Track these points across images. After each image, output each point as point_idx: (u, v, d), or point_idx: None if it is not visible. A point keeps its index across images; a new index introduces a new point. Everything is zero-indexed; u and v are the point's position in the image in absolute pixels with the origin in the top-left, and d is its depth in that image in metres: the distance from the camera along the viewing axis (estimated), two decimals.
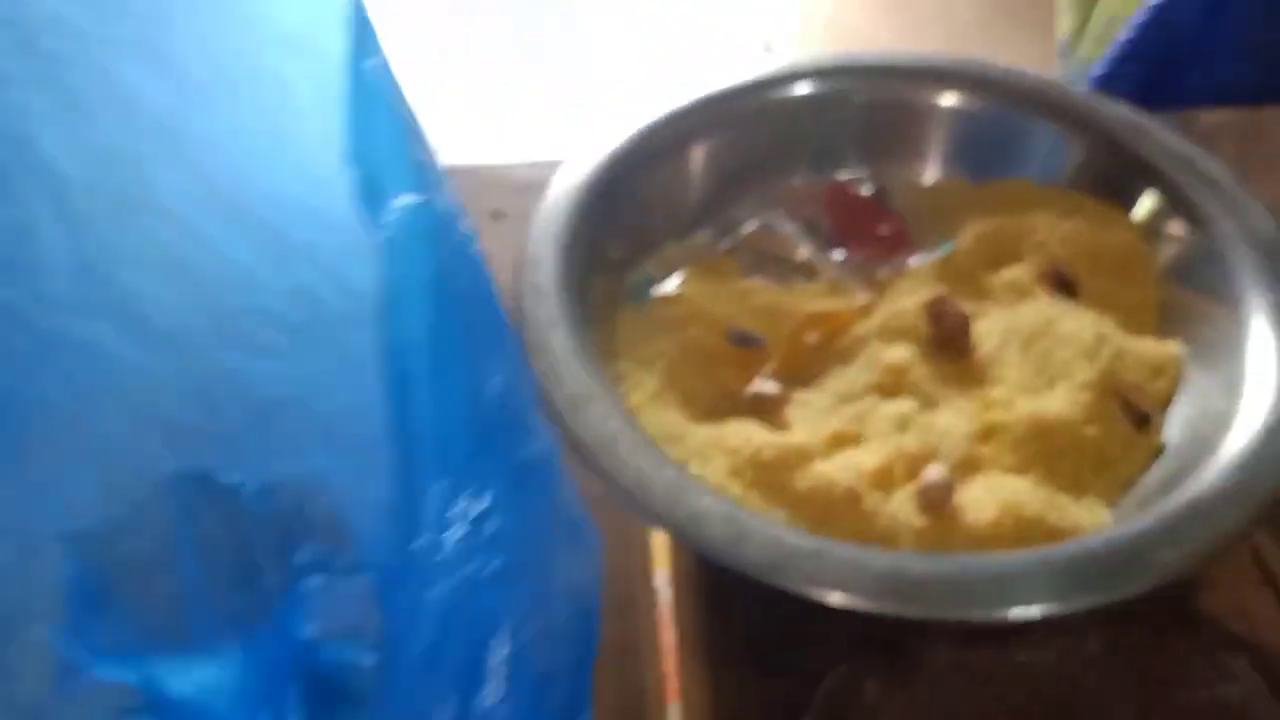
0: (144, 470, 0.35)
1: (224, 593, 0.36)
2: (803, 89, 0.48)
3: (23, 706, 0.35)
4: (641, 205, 0.46)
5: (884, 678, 0.32)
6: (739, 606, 0.40)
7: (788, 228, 0.45)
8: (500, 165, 0.56)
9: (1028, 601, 0.32)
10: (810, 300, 0.44)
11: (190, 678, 0.35)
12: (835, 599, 0.32)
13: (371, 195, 0.28)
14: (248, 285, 0.33)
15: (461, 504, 0.18)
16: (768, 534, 0.34)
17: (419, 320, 0.21)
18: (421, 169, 0.22)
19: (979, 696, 0.33)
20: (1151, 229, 0.46)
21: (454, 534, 0.18)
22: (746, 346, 0.42)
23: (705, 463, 0.39)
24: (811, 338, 0.43)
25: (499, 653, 0.18)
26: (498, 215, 0.54)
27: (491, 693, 0.17)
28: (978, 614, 0.32)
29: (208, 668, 0.35)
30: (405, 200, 0.20)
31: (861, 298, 0.44)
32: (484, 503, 0.18)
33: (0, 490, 0.33)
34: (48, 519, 0.35)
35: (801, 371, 0.42)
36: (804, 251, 0.45)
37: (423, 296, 0.23)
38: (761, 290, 0.44)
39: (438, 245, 0.21)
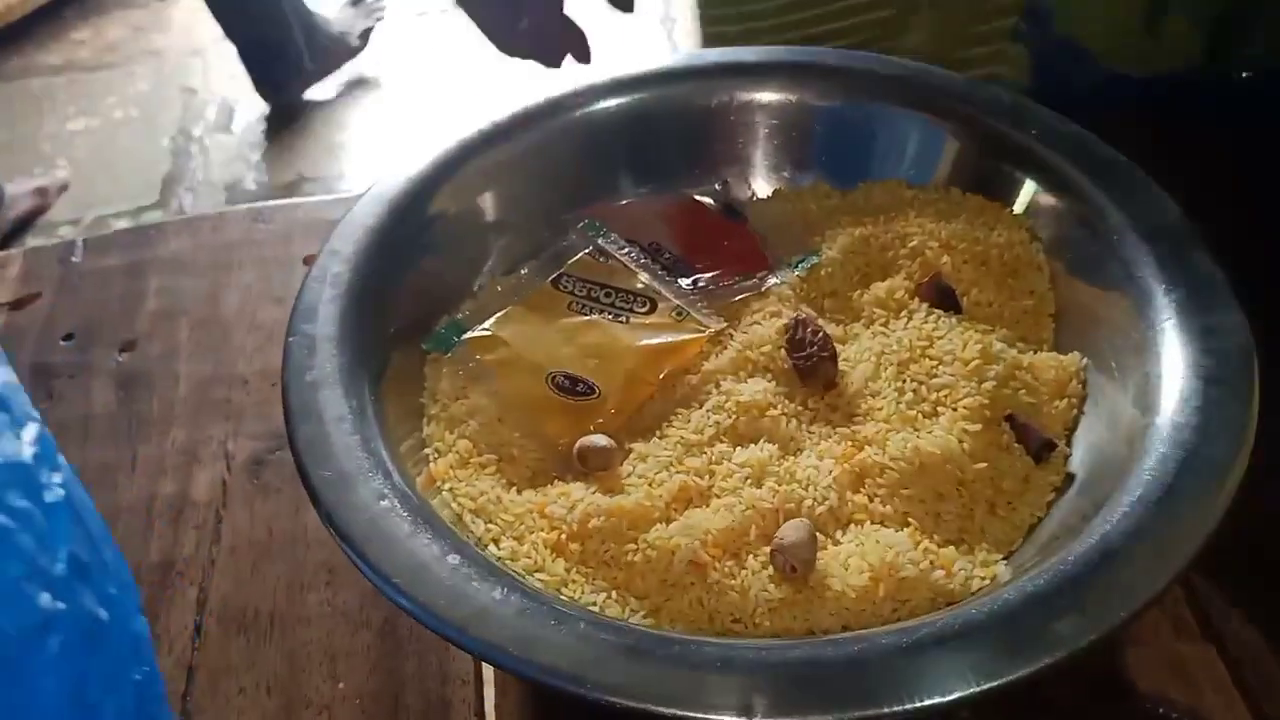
0: None
1: None
2: (629, 97, 0.42)
3: None
4: (445, 241, 0.39)
5: None
6: (575, 711, 0.32)
7: (623, 251, 0.39)
8: (322, 202, 0.50)
9: (906, 696, 0.26)
10: (650, 334, 0.37)
11: None
12: (664, 711, 0.25)
13: None
14: None
15: None
16: (572, 630, 0.27)
17: None
18: None
19: None
20: (1041, 225, 0.40)
21: None
22: (575, 395, 0.35)
23: (521, 539, 0.32)
24: (651, 378, 0.36)
25: None
26: (310, 259, 0.47)
27: None
28: (839, 718, 0.25)
29: None
30: None
31: (711, 326, 0.37)
32: None
33: None
34: None
35: (640, 420, 0.36)
36: (643, 277, 0.38)
37: None
38: (593, 327, 0.37)
39: None
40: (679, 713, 0.25)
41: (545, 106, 0.41)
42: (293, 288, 0.47)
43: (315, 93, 1.68)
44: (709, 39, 0.53)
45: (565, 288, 0.38)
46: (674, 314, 0.38)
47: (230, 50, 1.58)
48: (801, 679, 0.26)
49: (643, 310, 0.38)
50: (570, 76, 0.42)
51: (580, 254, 0.39)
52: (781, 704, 0.25)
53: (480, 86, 1.52)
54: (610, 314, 0.38)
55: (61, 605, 0.21)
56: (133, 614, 0.24)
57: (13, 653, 0.20)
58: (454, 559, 0.29)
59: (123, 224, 1.51)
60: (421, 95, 1.67)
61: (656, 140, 0.42)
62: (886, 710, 0.25)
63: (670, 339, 0.37)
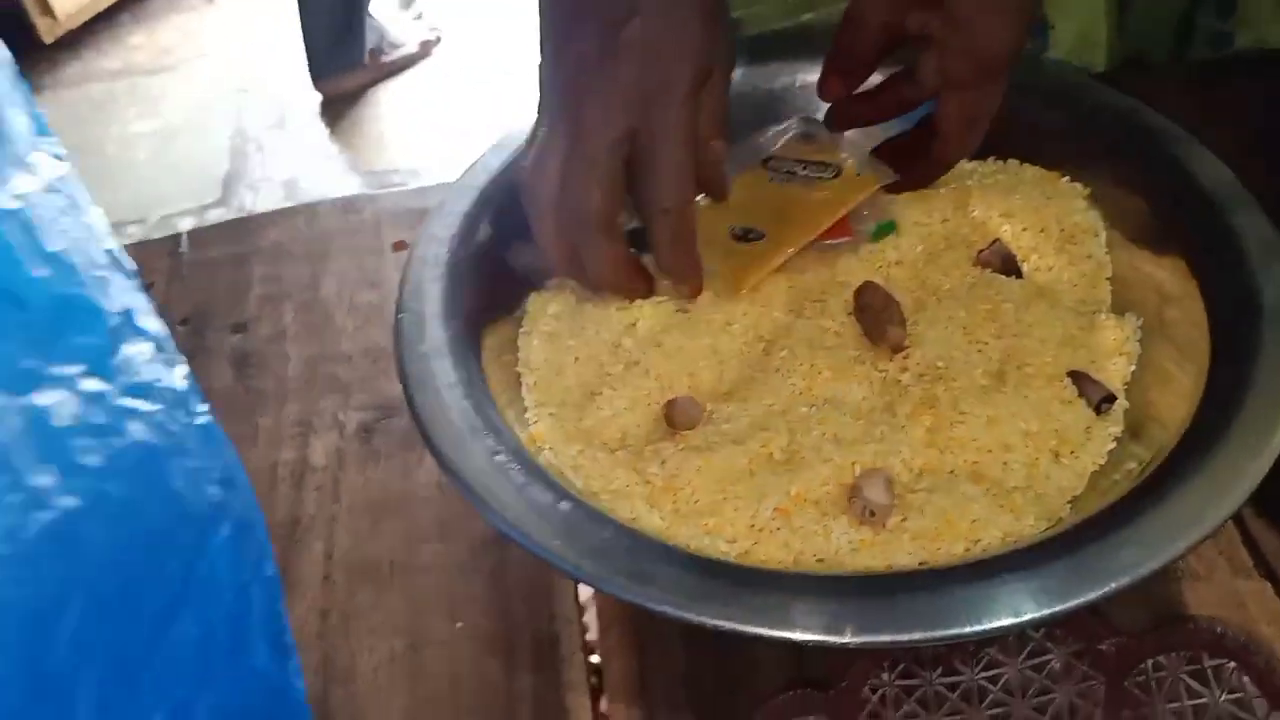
0: None
1: None
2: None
3: None
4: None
5: (820, 713, 0.28)
6: (669, 646, 0.36)
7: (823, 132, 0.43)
8: (404, 191, 0.53)
9: (977, 619, 0.28)
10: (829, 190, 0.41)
11: None
12: (760, 632, 0.28)
13: None
14: None
15: None
16: (677, 564, 0.30)
17: None
18: None
19: None
20: (1097, 193, 0.42)
21: None
22: (747, 241, 0.40)
23: (618, 493, 0.35)
24: (818, 220, 0.40)
25: None
26: (400, 246, 0.51)
27: None
28: (919, 637, 0.28)
29: None
30: None
31: (882, 178, 0.41)
32: None
33: None
34: None
35: (721, 384, 0.39)
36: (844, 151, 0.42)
37: None
38: (781, 190, 0.42)
39: None
40: (774, 633, 0.28)
41: None
42: (384, 272, 0.51)
43: (369, 89, 1.73)
44: None
45: (771, 166, 0.42)
46: (856, 174, 0.41)
47: (279, 49, 1.64)
48: (882, 603, 0.29)
49: (830, 177, 0.41)
50: None
51: (788, 137, 0.43)
52: (865, 625, 0.28)
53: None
54: (801, 182, 0.42)
55: (227, 500, 0.25)
56: (260, 525, 0.27)
57: (197, 536, 0.24)
58: (565, 505, 0.32)
59: (188, 222, 1.57)
60: (475, 88, 1.71)
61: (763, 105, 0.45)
62: (958, 630, 0.28)
63: (844, 191, 0.41)
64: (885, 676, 0.29)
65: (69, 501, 0.21)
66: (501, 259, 0.41)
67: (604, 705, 0.34)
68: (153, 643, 0.23)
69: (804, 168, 0.42)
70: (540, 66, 0.37)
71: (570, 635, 0.36)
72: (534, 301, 0.42)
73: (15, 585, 0.19)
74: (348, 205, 0.53)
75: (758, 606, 0.29)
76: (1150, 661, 0.29)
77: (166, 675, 0.23)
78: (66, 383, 0.21)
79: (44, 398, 0.21)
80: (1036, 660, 0.30)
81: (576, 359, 0.40)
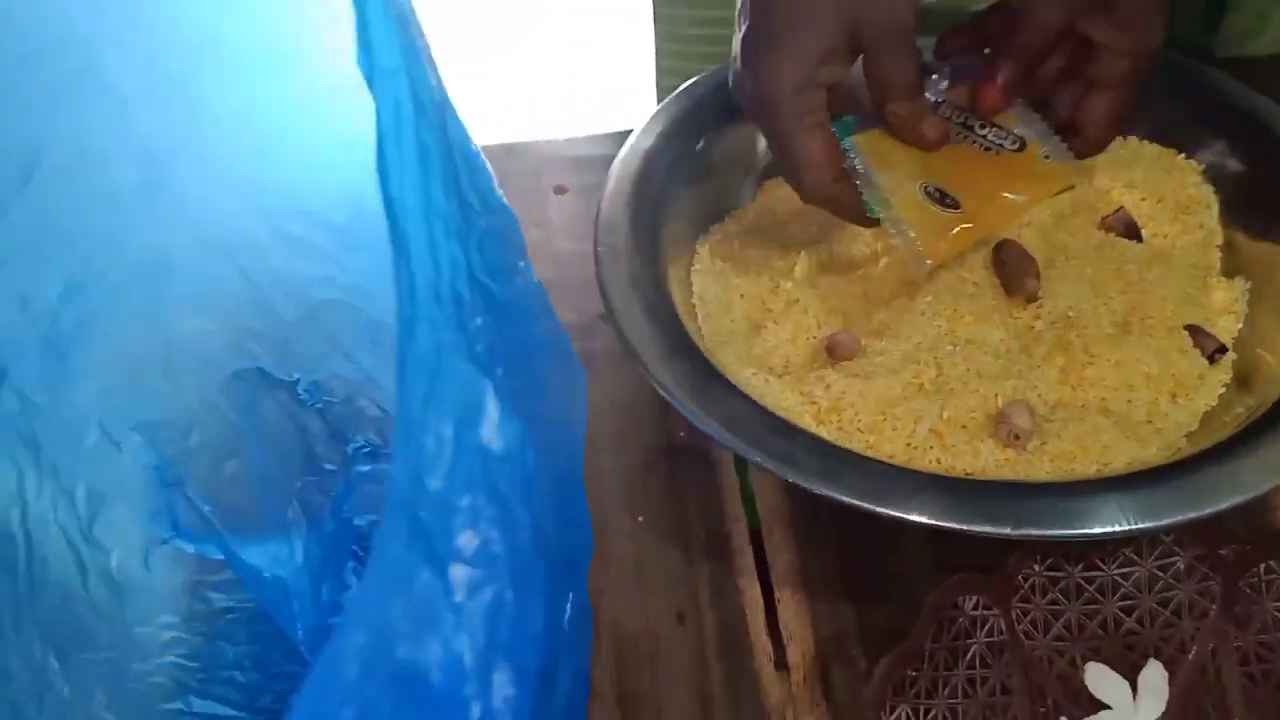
0: (210, 368, 0.38)
1: (287, 477, 0.39)
2: None
3: (112, 575, 0.38)
4: (709, 166, 0.48)
5: (983, 594, 0.34)
6: (833, 540, 0.41)
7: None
8: (560, 141, 0.58)
9: (1113, 520, 0.34)
10: (1019, 168, 0.41)
11: (263, 551, 0.38)
12: (931, 521, 0.34)
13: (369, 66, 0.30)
14: (294, 189, 0.35)
15: (449, 302, 0.20)
16: (862, 466, 0.36)
17: (407, 164, 0.23)
18: (413, 50, 0.24)
19: (1074, 608, 0.35)
20: (1210, 168, 0.47)
21: (443, 318, 0.20)
22: (943, 206, 0.41)
23: (788, 411, 0.41)
24: (1011, 211, 0.41)
25: (491, 403, 0.19)
26: (560, 190, 0.56)
27: (487, 430, 0.19)
28: (1069, 531, 0.34)
29: (278, 543, 0.39)
30: (390, 64, 0.21)
31: (1076, 179, 0.42)
32: (467, 306, 0.20)
33: (83, 390, 0.36)
34: (128, 413, 0.38)
35: (870, 324, 0.44)
36: (1017, 119, 0.42)
37: (410, 148, 0.24)
38: (964, 150, 0.42)
39: (422, 111, 0.22)
40: (955, 525, 0.34)
41: None
42: (547, 213, 0.56)
43: None
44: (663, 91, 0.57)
45: (943, 114, 0.43)
46: (1043, 157, 0.42)
47: None
48: (1034, 504, 0.34)
49: (1013, 148, 0.42)
50: None
51: (945, 85, 0.43)
52: (1022, 520, 0.34)
53: None
54: (981, 144, 0.42)
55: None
56: None
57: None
58: (760, 415, 0.37)
59: None
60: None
61: None
62: (1091, 530, 0.33)
63: (1037, 179, 0.42)
64: (1036, 568, 0.35)
65: None
66: (677, 196, 0.46)
67: (775, 591, 0.40)
68: None
69: (981, 126, 0.42)
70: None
71: (740, 531, 0.42)
72: (704, 245, 0.47)
73: None
74: (509, 150, 0.58)
75: (938, 504, 0.34)
76: (1262, 566, 0.35)
77: None
78: None
79: None
80: (1163, 561, 0.35)
81: (742, 296, 0.45)
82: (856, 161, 0.41)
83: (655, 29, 0.57)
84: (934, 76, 0.43)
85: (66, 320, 0.34)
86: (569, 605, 0.28)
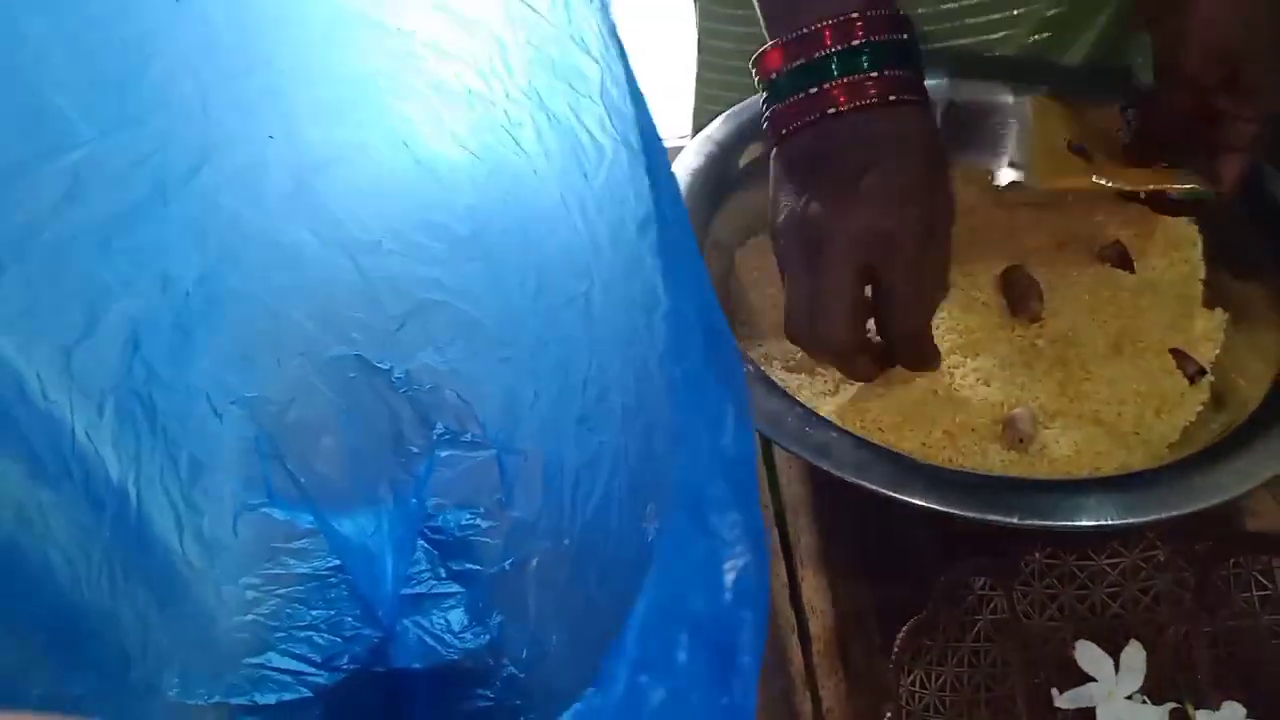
0: (312, 353, 0.42)
1: (376, 455, 0.43)
2: None
3: (207, 538, 0.42)
4: (751, 182, 0.52)
5: (990, 575, 0.39)
6: (851, 527, 0.46)
7: None
8: None
9: (1102, 515, 0.39)
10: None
11: (351, 522, 0.42)
12: (949, 509, 0.39)
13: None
14: (427, 202, 0.39)
15: None
16: (887, 459, 0.41)
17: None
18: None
19: (1067, 592, 0.40)
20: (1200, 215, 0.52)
21: None
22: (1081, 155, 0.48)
23: (818, 410, 0.46)
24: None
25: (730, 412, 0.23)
26: None
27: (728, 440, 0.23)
28: (1063, 523, 0.39)
29: (364, 516, 0.43)
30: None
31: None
32: None
33: (196, 361, 0.40)
34: (232, 389, 0.41)
35: None
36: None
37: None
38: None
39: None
40: (970, 514, 0.38)
41: None
42: None
43: None
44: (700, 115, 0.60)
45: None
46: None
47: None
48: (1036, 499, 0.39)
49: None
50: None
51: None
52: (1025, 513, 0.39)
53: None
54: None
55: None
56: None
57: None
58: (798, 410, 0.42)
59: None
60: None
61: None
62: (1087, 524, 0.38)
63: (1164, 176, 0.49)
64: (1037, 555, 0.40)
65: None
66: (720, 210, 0.51)
67: (798, 571, 0.45)
68: None
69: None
70: (776, 220, 0.42)
71: (766, 516, 0.47)
72: (740, 255, 0.52)
73: None
74: None
75: (955, 496, 0.39)
76: (1231, 560, 0.40)
77: None
78: None
79: None
80: (1146, 554, 0.40)
81: (774, 305, 0.50)
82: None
83: (698, 57, 0.62)
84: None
85: (197, 301, 0.38)
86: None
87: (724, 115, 0.54)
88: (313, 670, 0.42)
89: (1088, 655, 0.39)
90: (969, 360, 0.47)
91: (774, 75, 0.41)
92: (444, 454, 0.44)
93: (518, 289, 0.40)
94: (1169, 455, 0.44)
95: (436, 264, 0.39)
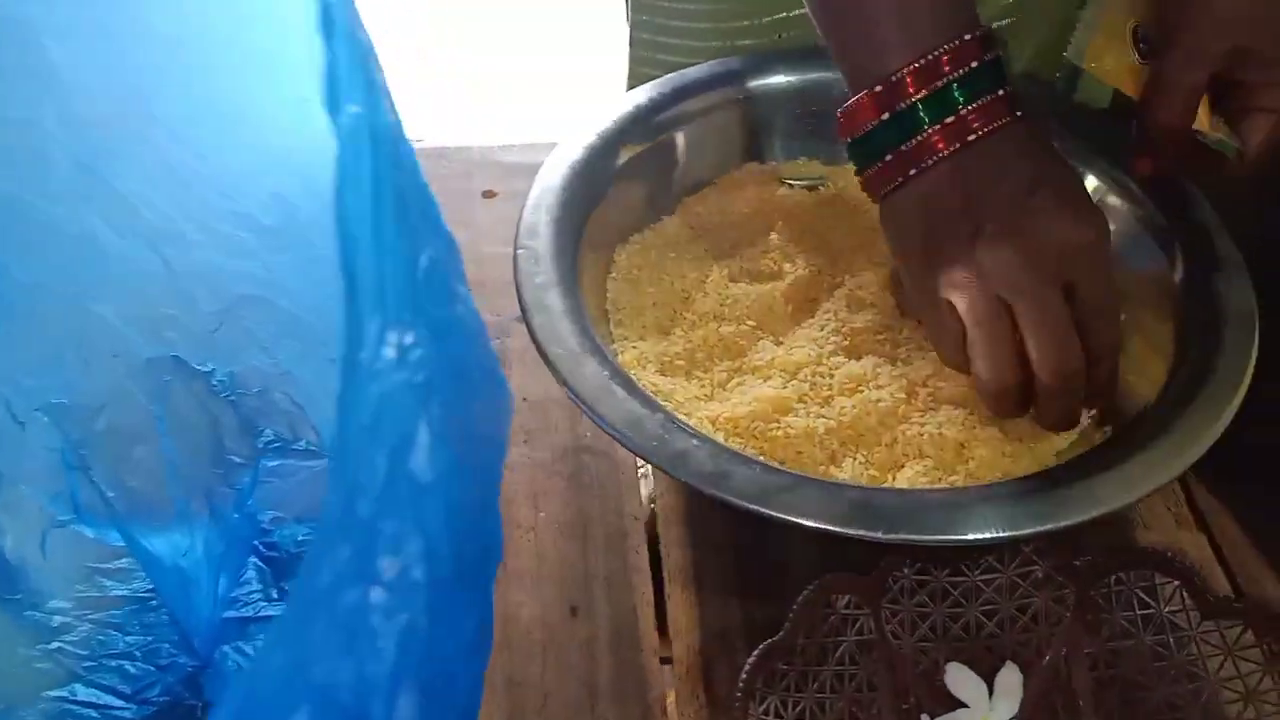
0: (124, 354, 0.38)
1: (195, 467, 0.39)
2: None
3: (11, 557, 0.38)
4: (631, 177, 0.49)
5: (854, 593, 0.36)
6: (722, 542, 0.43)
7: None
8: (492, 147, 0.60)
9: (980, 528, 0.36)
10: None
11: (165, 540, 0.39)
12: (810, 523, 0.36)
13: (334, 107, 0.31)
14: (229, 190, 0.36)
15: (393, 336, 0.22)
16: (749, 470, 0.37)
17: (362, 202, 0.24)
18: (373, 87, 0.25)
19: (939, 610, 0.37)
20: None
21: (387, 352, 0.21)
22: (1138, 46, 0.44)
23: (689, 414, 0.42)
24: None
25: (424, 434, 0.21)
26: (489, 194, 0.57)
27: (418, 461, 0.21)
28: (937, 537, 0.36)
29: (180, 532, 0.39)
30: (354, 109, 0.23)
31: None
32: (410, 338, 0.22)
33: None
34: (36, 393, 0.38)
35: (779, 330, 0.46)
36: None
37: (366, 186, 0.25)
38: None
39: (379, 147, 0.24)
40: (832, 528, 0.35)
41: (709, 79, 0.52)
42: (474, 215, 0.57)
43: None
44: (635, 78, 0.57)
45: None
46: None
47: None
48: (905, 512, 0.36)
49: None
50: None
51: None
52: (892, 526, 0.36)
53: None
54: None
55: None
56: None
57: None
58: (659, 416, 0.39)
59: None
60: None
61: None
62: (960, 537, 0.35)
63: None
64: (905, 571, 0.37)
65: None
66: (600, 207, 0.48)
67: (665, 587, 0.42)
68: None
69: None
70: (936, 270, 0.39)
71: (637, 530, 0.44)
72: (622, 253, 0.49)
73: None
74: (440, 153, 0.59)
75: (817, 508, 0.36)
76: (1113, 577, 0.37)
77: None
78: None
79: None
80: (1023, 569, 0.38)
81: (654, 304, 0.47)
82: None
83: (631, 17, 0.58)
84: None
85: None
86: (477, 617, 0.29)
87: (608, 104, 0.51)
88: (120, 704, 0.38)
89: (960, 679, 0.37)
90: (852, 361, 0.44)
91: (863, 130, 0.40)
92: (272, 464, 0.40)
93: (336, 281, 0.36)
94: (1052, 461, 0.41)
95: (248, 256, 0.35)
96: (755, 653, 0.33)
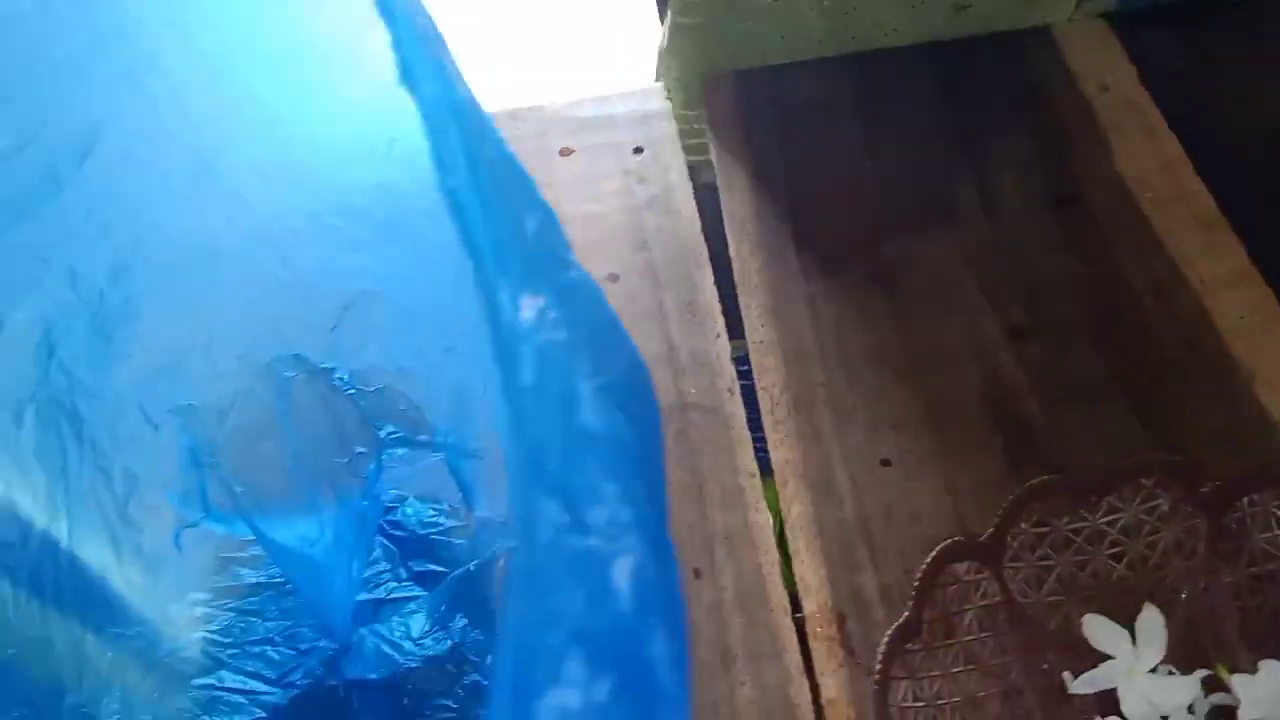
0: (248, 354, 0.39)
1: (319, 459, 0.40)
2: None
3: (147, 554, 0.39)
4: None
5: (973, 558, 0.35)
6: (844, 494, 0.43)
7: None
8: (566, 104, 0.59)
9: None
10: None
11: (292, 530, 0.40)
12: None
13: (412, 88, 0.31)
14: (338, 184, 0.36)
15: (526, 300, 0.22)
16: None
17: (460, 177, 0.24)
18: (441, 64, 0.25)
19: (1064, 560, 0.36)
20: None
21: (525, 314, 0.21)
22: None
23: None
24: None
25: (584, 387, 0.21)
26: (566, 151, 0.57)
27: (586, 414, 0.20)
28: None
29: (309, 522, 0.40)
30: (431, 87, 0.23)
31: None
32: (542, 300, 0.22)
33: (124, 371, 0.38)
34: (167, 397, 0.39)
35: None
36: None
37: (460, 162, 0.26)
38: None
39: (463, 122, 0.24)
40: None
41: None
42: (555, 175, 0.56)
43: None
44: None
45: None
46: None
47: None
48: None
49: None
50: None
51: None
52: None
53: None
54: None
55: None
56: None
57: None
58: None
59: None
60: None
61: None
62: None
63: None
64: (1023, 525, 0.36)
65: None
66: None
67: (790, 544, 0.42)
68: None
69: None
70: None
71: (754, 486, 0.43)
72: None
73: None
74: (513, 115, 0.59)
75: None
76: (1245, 499, 0.36)
77: None
78: None
79: None
80: (1147, 505, 0.36)
81: None
82: None
83: None
84: None
85: (113, 299, 0.36)
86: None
87: None
88: (266, 688, 0.39)
89: (1099, 629, 0.36)
90: None
91: None
92: (398, 452, 0.41)
93: (448, 271, 0.37)
94: None
95: (361, 250, 0.36)
96: (884, 640, 0.33)
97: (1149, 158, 0.50)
